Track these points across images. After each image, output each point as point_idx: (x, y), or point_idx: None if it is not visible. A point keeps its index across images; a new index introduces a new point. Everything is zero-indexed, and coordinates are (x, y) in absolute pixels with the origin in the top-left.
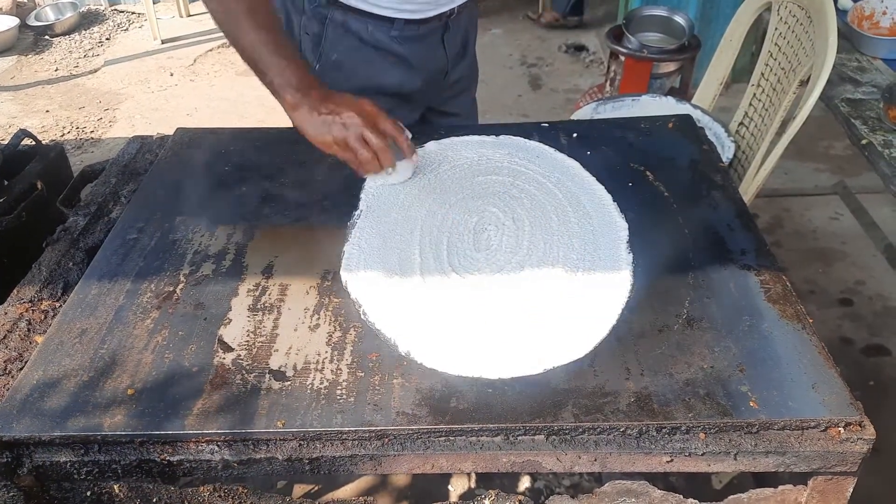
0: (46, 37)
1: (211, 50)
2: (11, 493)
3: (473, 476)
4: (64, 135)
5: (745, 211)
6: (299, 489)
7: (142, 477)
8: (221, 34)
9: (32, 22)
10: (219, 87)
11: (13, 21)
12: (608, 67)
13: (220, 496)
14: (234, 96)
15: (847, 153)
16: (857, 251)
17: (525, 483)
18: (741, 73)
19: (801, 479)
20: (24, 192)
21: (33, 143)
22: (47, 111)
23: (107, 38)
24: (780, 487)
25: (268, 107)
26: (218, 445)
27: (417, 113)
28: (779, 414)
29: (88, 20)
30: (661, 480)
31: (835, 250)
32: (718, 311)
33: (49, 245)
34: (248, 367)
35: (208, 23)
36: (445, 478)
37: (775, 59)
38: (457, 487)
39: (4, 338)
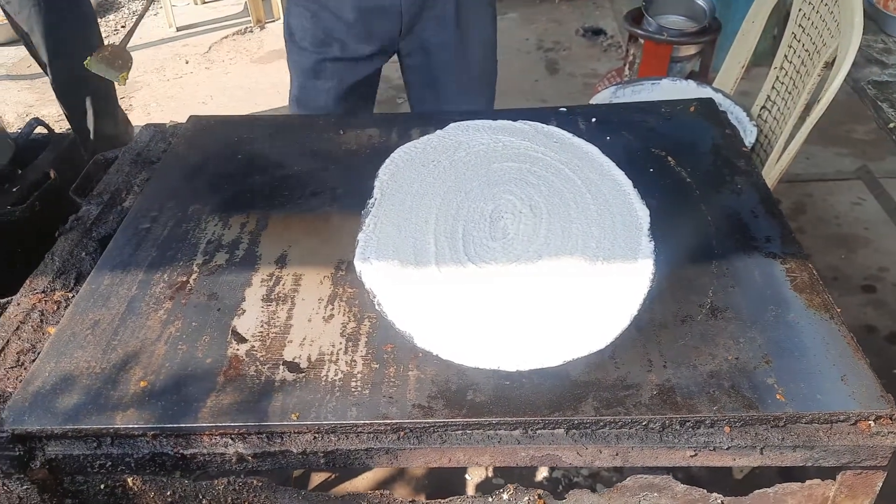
0: None
1: (226, 37)
2: (25, 487)
3: (491, 466)
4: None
5: (769, 197)
6: (316, 477)
7: (156, 470)
8: (237, 21)
9: None
10: (234, 74)
11: None
12: (627, 51)
13: (234, 489)
14: (250, 84)
15: (870, 137)
16: (880, 237)
17: (543, 472)
18: (761, 56)
19: (828, 473)
20: (38, 182)
21: (46, 131)
22: None
23: (122, 27)
24: (808, 482)
25: (283, 94)
26: (232, 438)
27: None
28: (807, 407)
29: (104, 8)
30: (682, 469)
31: (858, 236)
32: (743, 300)
33: (62, 235)
34: (262, 359)
35: (223, 10)
36: (462, 467)
37: (799, 41)
38: (474, 477)
39: (17, 329)
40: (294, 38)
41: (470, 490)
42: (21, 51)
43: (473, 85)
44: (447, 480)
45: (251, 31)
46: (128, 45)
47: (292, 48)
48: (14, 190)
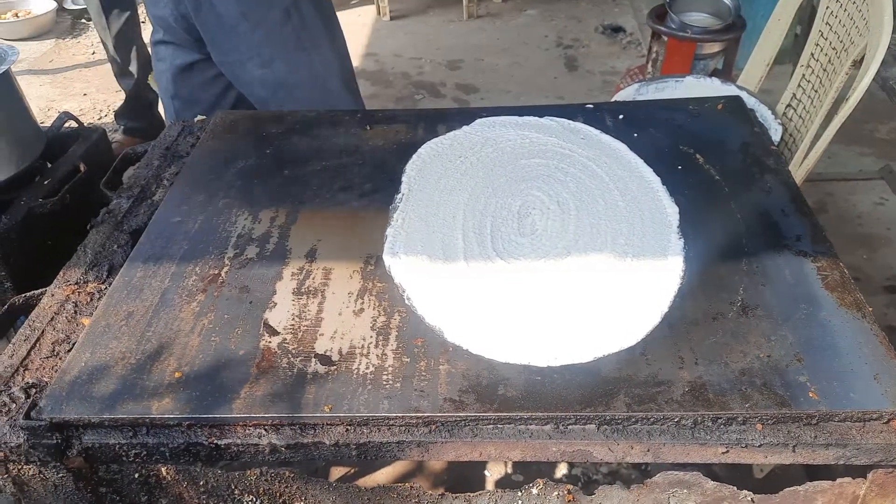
0: (83, 20)
1: None
2: (61, 475)
3: (510, 462)
4: (101, 118)
5: (799, 195)
6: (336, 472)
7: (189, 460)
8: None
9: (69, 5)
10: None
11: (51, 4)
12: (650, 48)
13: (266, 480)
14: None
15: (892, 136)
16: None
17: (562, 469)
18: (783, 54)
19: (859, 471)
20: (68, 175)
21: (76, 125)
22: (85, 94)
23: (143, 21)
24: (839, 480)
25: None
26: (265, 430)
27: None
28: (839, 405)
29: None
30: (702, 467)
31: (880, 236)
32: (774, 298)
33: (93, 227)
34: (294, 351)
35: None
36: (482, 463)
37: (826, 39)
38: (493, 473)
39: (52, 320)
40: None
41: (489, 486)
42: (43, 45)
43: (265, 101)
44: (466, 477)
45: None
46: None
47: None
48: (45, 183)
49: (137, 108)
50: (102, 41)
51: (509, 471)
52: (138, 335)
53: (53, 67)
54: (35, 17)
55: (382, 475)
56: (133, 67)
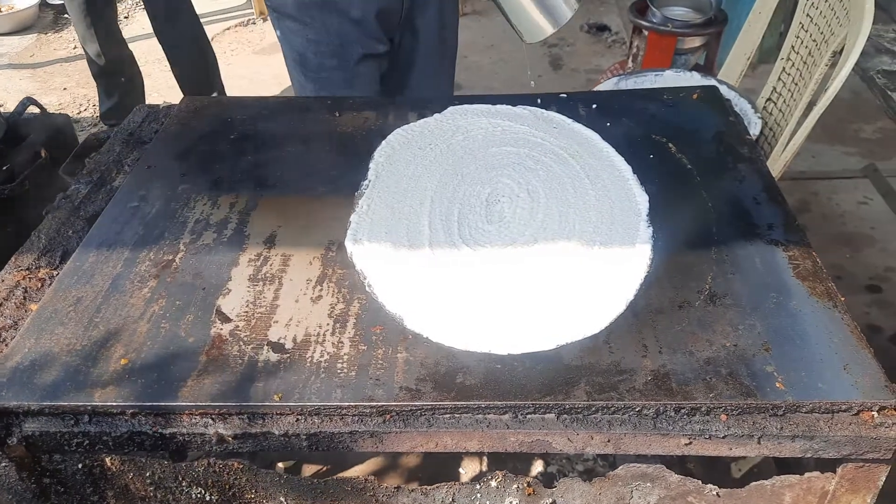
0: (66, 15)
1: (228, 29)
2: (3, 464)
3: (485, 460)
4: (80, 112)
5: (772, 184)
6: (308, 469)
7: (134, 450)
8: (239, 13)
9: (52, 0)
10: (236, 65)
11: None
12: (631, 43)
13: (214, 471)
14: (251, 74)
15: (877, 136)
16: (887, 236)
17: (538, 467)
18: (768, 53)
19: (828, 465)
20: (28, 161)
21: (39, 111)
22: (65, 89)
23: (125, 17)
24: (807, 475)
25: (284, 85)
26: (212, 418)
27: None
28: (807, 396)
29: None
30: (679, 467)
31: (863, 235)
32: (743, 287)
33: (49, 213)
34: (246, 339)
35: (225, 2)
36: (457, 461)
37: (806, 31)
38: (468, 471)
39: (0, 305)
40: (307, 62)
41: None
42: (25, 40)
43: (445, 66)
44: (440, 474)
45: (253, 23)
46: (130, 36)
47: (309, 69)
48: (3, 168)
49: (129, 107)
50: (84, 44)
51: (484, 468)
52: (86, 321)
53: (34, 62)
54: (17, 11)
55: (354, 473)
56: (122, 65)
